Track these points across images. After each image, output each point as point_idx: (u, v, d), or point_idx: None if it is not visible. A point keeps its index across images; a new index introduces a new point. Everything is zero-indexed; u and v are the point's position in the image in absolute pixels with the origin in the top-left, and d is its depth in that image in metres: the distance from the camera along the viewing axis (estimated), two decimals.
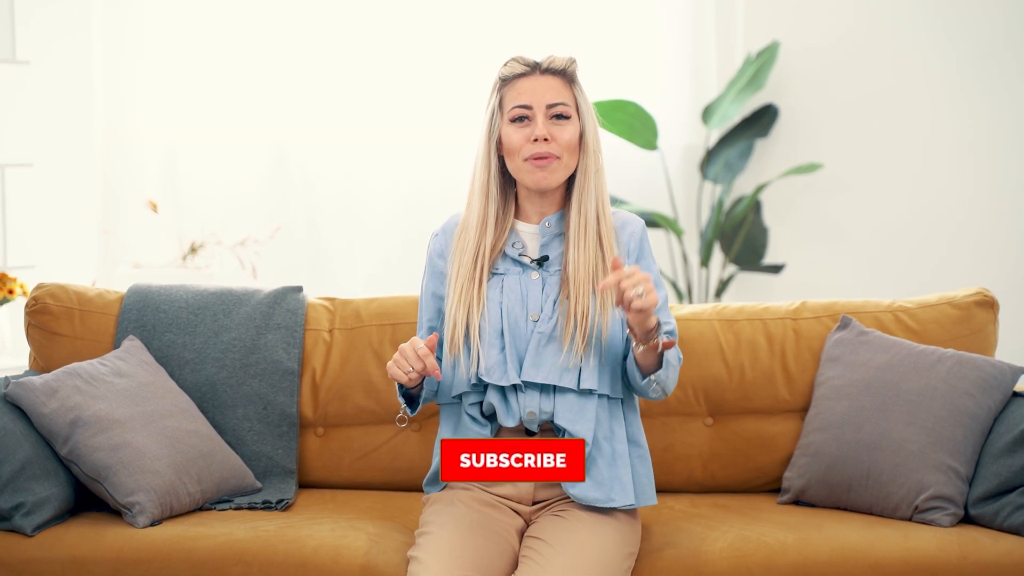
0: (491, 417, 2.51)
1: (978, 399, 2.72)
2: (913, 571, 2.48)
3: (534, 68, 2.51)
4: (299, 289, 3.07)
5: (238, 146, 4.94)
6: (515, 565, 2.42)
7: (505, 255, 2.53)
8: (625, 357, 2.52)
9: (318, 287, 4.78)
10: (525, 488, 2.51)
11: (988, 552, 2.51)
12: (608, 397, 2.50)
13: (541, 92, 2.48)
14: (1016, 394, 2.76)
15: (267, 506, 2.76)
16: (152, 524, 2.59)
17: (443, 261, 2.59)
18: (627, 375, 2.52)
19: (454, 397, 2.53)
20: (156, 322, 2.97)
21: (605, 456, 2.48)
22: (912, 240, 4.91)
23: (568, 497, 2.50)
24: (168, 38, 4.88)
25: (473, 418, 2.50)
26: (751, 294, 4.97)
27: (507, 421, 2.48)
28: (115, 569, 2.50)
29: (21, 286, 4.25)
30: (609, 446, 2.49)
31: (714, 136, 5.02)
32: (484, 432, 2.49)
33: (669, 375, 2.46)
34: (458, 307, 2.49)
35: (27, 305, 3.00)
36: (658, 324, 2.38)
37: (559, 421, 2.45)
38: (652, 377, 2.45)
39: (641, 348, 2.40)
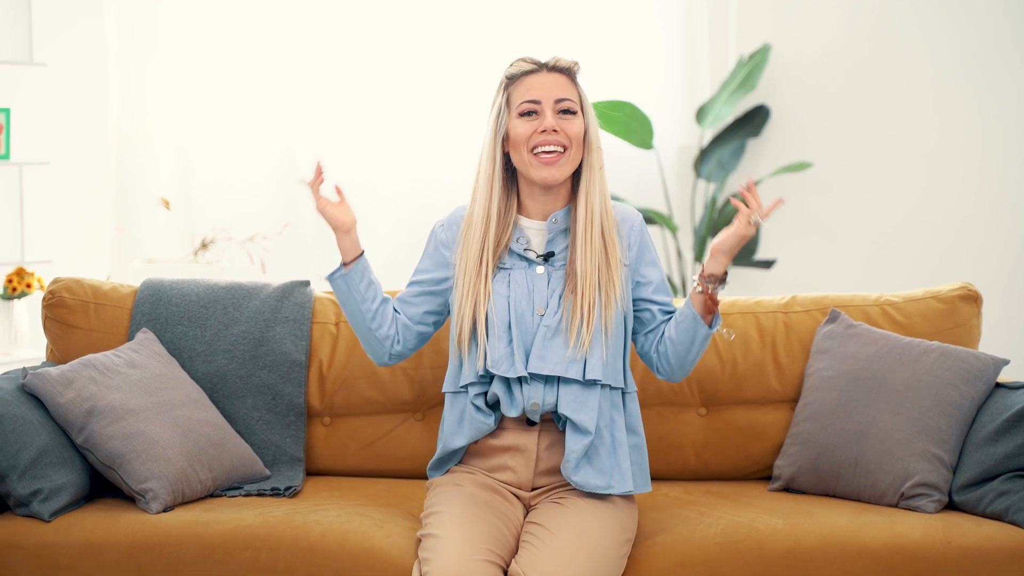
0: (495, 406, 2.56)
1: (962, 390, 2.75)
2: (899, 556, 2.51)
3: (541, 67, 2.56)
4: (307, 283, 3.12)
5: (248, 145, 4.95)
6: (516, 548, 2.46)
7: (511, 251, 2.58)
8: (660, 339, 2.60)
9: (325, 282, 4.78)
10: (525, 474, 2.56)
11: (971, 537, 2.54)
12: (610, 387, 2.55)
13: (550, 88, 2.53)
14: (999, 385, 2.79)
15: (275, 493, 2.79)
16: (165, 510, 2.62)
17: (449, 252, 2.63)
18: (674, 349, 2.57)
19: (460, 387, 2.58)
20: (168, 315, 3.00)
21: (606, 444, 2.52)
22: (899, 236, 4.93)
23: (567, 483, 2.55)
24: (180, 40, 4.90)
25: (478, 408, 2.54)
26: (743, 289, 4.99)
27: (510, 411, 2.52)
28: (129, 553, 2.53)
29: (38, 280, 4.28)
30: (610, 434, 2.53)
31: (708, 136, 5.04)
32: (488, 421, 2.54)
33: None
34: (465, 302, 2.53)
35: (44, 299, 3.03)
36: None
37: (563, 410, 2.49)
38: (720, 325, 2.55)
39: (712, 288, 2.51)
